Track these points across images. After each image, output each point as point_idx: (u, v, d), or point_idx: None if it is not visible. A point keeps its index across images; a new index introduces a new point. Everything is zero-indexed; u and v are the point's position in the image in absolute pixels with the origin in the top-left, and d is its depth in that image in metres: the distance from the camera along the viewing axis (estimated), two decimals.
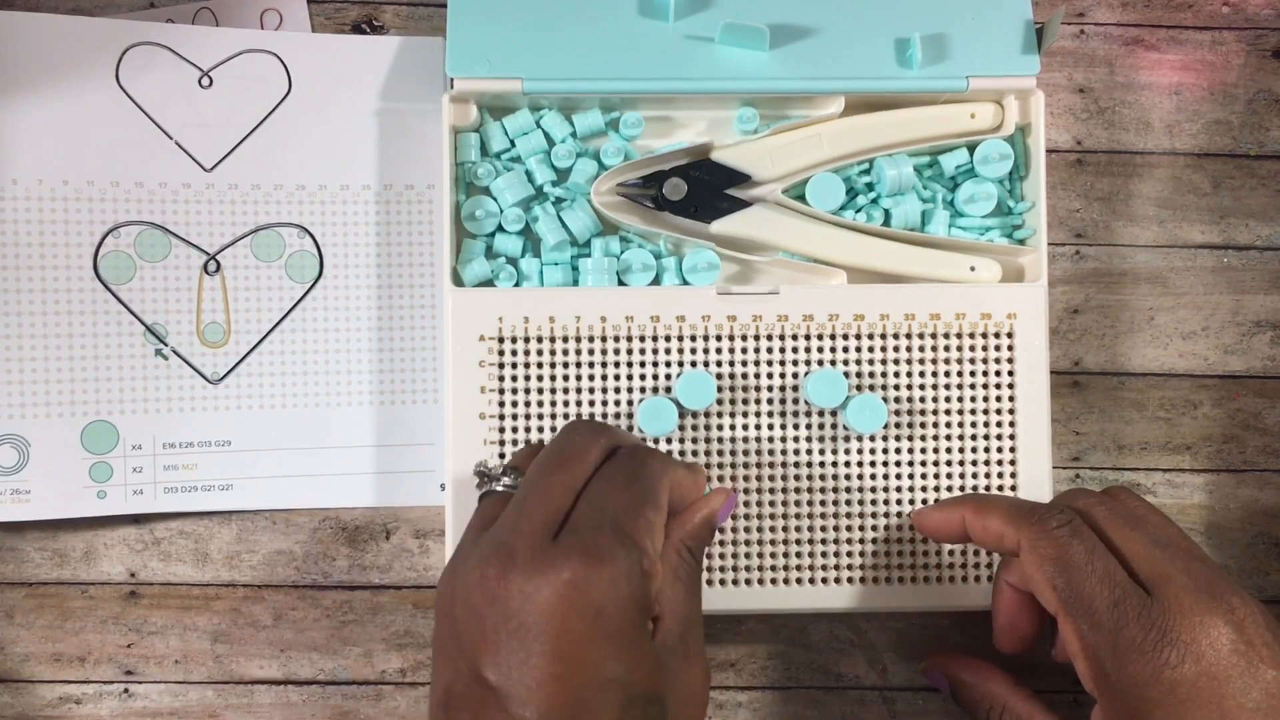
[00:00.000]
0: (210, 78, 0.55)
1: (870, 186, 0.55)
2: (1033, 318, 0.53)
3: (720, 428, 0.52)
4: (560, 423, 0.52)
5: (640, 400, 0.52)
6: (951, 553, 0.53)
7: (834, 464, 0.53)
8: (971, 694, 0.51)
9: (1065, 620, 0.43)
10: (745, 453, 0.52)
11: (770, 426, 0.53)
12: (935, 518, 0.49)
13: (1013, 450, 0.53)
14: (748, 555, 0.52)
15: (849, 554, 0.53)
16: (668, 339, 0.52)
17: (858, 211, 0.55)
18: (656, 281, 0.54)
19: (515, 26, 0.53)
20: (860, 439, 0.53)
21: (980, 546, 0.48)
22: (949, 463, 0.53)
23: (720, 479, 0.52)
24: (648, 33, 0.53)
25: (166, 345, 0.55)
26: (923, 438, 0.53)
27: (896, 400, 0.53)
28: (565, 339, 0.52)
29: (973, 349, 0.53)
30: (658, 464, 0.43)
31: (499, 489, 0.44)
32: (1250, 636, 0.41)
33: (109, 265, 0.54)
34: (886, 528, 0.53)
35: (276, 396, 0.55)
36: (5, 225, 0.54)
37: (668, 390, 0.52)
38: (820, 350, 0.53)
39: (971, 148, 0.55)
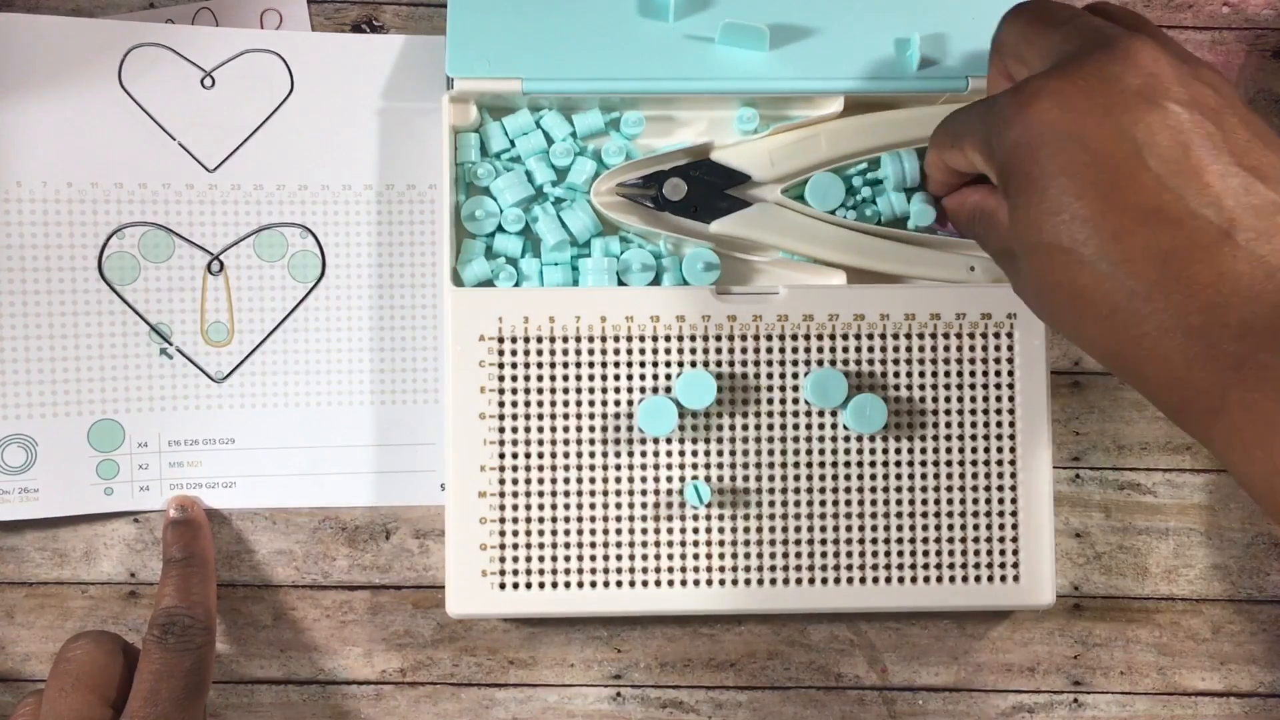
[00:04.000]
0: (213, 78, 0.56)
1: (871, 184, 0.55)
2: (1033, 318, 0.53)
3: (720, 428, 0.53)
4: (560, 422, 0.52)
5: (640, 400, 0.52)
6: (951, 553, 0.53)
7: (834, 464, 0.53)
8: (958, 211, 0.51)
9: (967, 152, 0.45)
10: (745, 453, 0.53)
11: (770, 426, 0.53)
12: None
13: (1013, 450, 0.53)
14: (748, 555, 0.52)
15: (849, 554, 0.53)
16: (668, 339, 0.53)
17: (852, 209, 0.55)
18: (656, 281, 0.54)
19: (515, 26, 0.53)
20: (860, 439, 0.53)
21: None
22: (949, 463, 0.53)
23: (720, 479, 0.52)
24: (648, 33, 0.53)
25: (171, 344, 0.55)
26: (923, 438, 0.53)
27: (896, 400, 0.53)
28: (565, 339, 0.52)
29: (973, 349, 0.53)
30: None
31: None
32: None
33: (113, 266, 0.55)
34: (886, 528, 0.53)
35: (279, 395, 0.56)
36: (10, 228, 0.54)
37: (668, 390, 0.52)
38: (820, 350, 0.53)
39: None
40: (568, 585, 0.52)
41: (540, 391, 0.52)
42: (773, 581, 0.52)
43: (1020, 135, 0.41)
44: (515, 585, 0.52)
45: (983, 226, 0.47)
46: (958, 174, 0.49)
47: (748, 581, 0.52)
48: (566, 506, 0.52)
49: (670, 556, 0.52)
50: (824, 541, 0.53)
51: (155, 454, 0.55)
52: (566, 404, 0.52)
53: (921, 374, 0.53)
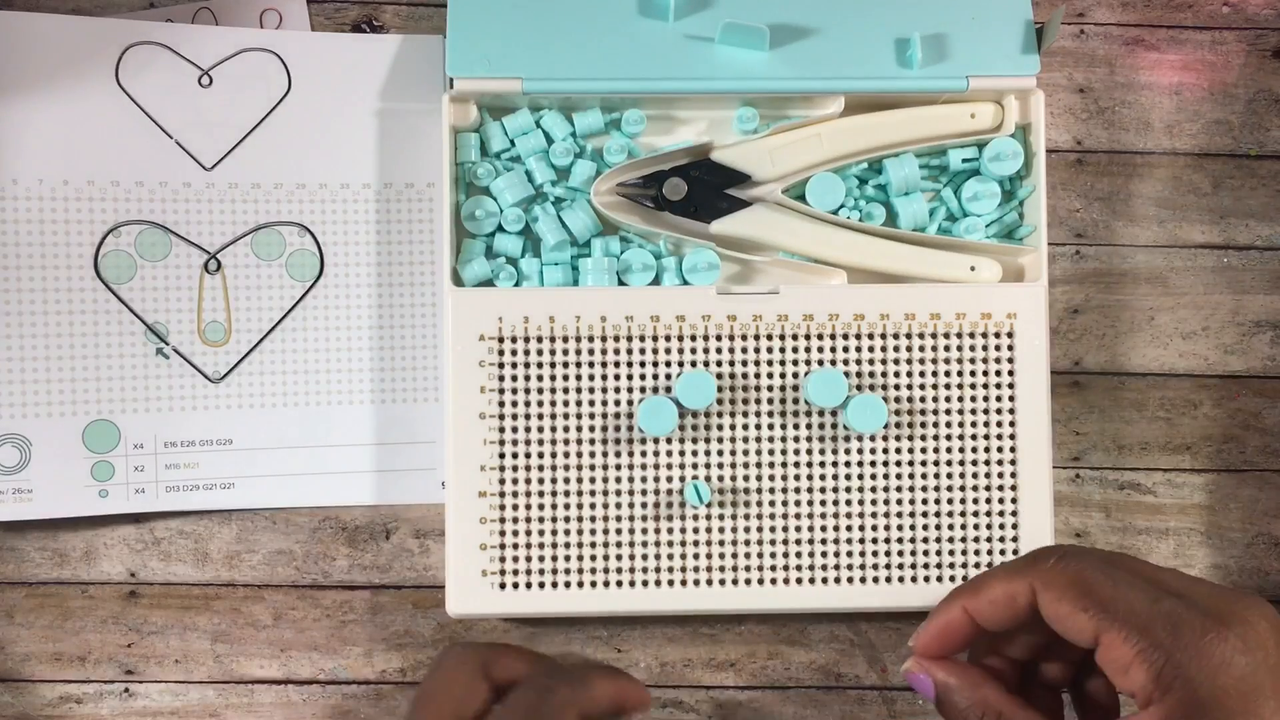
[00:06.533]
0: (210, 77, 0.55)
1: (869, 184, 0.55)
2: (1033, 318, 0.53)
3: (720, 428, 0.53)
4: (560, 422, 0.52)
5: (640, 400, 0.52)
6: (951, 553, 0.53)
7: (834, 464, 0.53)
8: (959, 699, 0.46)
9: (1112, 634, 0.40)
10: (745, 453, 0.53)
11: (770, 426, 0.53)
12: (933, 628, 0.44)
13: (1013, 450, 0.53)
14: (748, 555, 0.52)
15: (849, 554, 0.53)
16: (668, 339, 0.52)
17: (853, 209, 0.55)
18: (656, 281, 0.54)
19: (515, 26, 0.53)
20: (860, 439, 0.53)
21: (991, 627, 0.43)
22: (949, 463, 0.53)
23: (720, 479, 0.52)
24: (648, 33, 0.53)
25: (167, 344, 0.55)
26: (923, 438, 0.53)
27: (896, 400, 0.53)
28: (565, 339, 0.52)
29: (973, 349, 0.53)
30: (562, 697, 0.40)
31: None
32: None
33: (110, 265, 0.54)
34: (886, 528, 0.53)
35: (277, 395, 0.55)
36: (6, 225, 0.54)
37: (668, 390, 0.52)
38: (820, 350, 0.53)
39: (974, 147, 0.55)
40: (568, 585, 0.52)
41: (540, 391, 0.52)
42: (773, 581, 0.52)
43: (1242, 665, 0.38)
44: (515, 585, 0.52)
45: None
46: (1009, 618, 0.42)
47: (748, 581, 0.52)
48: (566, 506, 0.52)
49: (670, 556, 0.52)
50: (824, 541, 0.53)
51: (151, 455, 0.54)
52: (566, 404, 0.52)
53: (921, 374, 0.53)
